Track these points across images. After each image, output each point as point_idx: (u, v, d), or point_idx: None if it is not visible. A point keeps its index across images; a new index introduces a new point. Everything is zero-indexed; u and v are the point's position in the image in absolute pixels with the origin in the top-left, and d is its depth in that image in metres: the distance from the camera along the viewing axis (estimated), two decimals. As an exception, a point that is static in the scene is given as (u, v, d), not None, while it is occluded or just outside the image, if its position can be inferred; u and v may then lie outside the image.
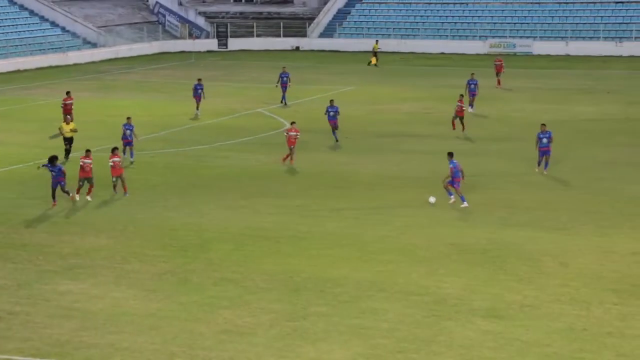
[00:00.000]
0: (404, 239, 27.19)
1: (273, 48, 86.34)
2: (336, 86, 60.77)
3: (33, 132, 45.65)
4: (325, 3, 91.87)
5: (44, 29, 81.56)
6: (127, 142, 38.22)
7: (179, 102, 54.93)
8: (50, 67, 75.11)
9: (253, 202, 31.73)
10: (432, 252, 25.84)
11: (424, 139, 42.95)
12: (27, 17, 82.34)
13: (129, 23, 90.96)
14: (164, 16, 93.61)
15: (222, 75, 70.05)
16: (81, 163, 32.10)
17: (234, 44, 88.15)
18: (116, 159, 32.60)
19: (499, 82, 59.57)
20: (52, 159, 30.99)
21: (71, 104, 45.94)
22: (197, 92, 49.89)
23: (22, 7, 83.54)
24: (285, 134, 38.03)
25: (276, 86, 54.32)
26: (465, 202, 30.63)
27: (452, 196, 31.01)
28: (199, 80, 50.78)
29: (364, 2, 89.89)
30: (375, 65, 73.29)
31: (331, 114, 41.53)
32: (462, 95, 44.27)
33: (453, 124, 43.83)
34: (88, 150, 32.62)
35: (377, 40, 77.51)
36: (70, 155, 38.08)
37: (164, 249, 26.41)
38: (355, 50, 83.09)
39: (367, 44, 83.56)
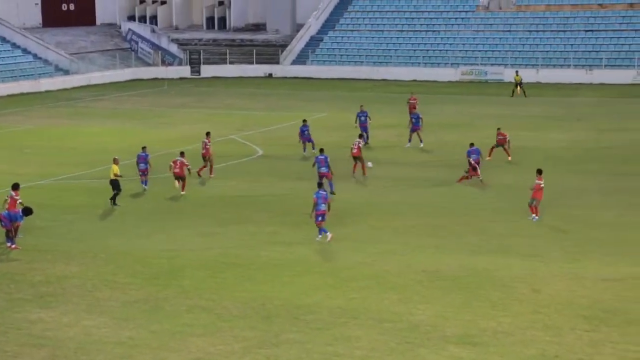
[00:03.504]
0: (377, 265, 27.20)
1: (246, 75, 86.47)
2: (309, 112, 60.81)
3: (3, 160, 45.34)
4: (298, 30, 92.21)
5: (16, 56, 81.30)
6: (142, 171, 37.67)
7: (152, 129, 54.83)
8: (22, 94, 74.75)
9: (226, 229, 31.67)
10: (405, 279, 25.86)
11: (395, 166, 43.05)
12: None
13: (101, 50, 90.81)
14: (137, 43, 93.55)
15: (194, 101, 70.02)
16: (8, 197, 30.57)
17: (207, 70, 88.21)
18: (16, 196, 30.47)
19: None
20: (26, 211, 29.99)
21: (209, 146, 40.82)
22: (305, 134, 45.74)
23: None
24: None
25: (355, 126, 48.84)
26: (326, 234, 29.60)
27: (325, 234, 29.68)
28: (304, 121, 46.51)
29: (336, 30, 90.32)
30: (512, 95, 69.26)
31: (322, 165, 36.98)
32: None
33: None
34: (17, 185, 31.15)
35: (517, 71, 72.27)
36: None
37: (135, 276, 26.27)
38: (328, 77, 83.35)
39: (339, 71, 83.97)
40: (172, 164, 37.44)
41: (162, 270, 26.85)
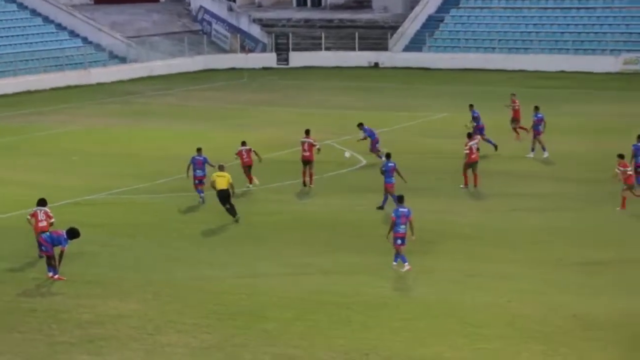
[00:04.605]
0: (513, 308, 26.96)
1: (346, 64, 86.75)
2: (425, 112, 60.78)
3: (45, 170, 46.31)
4: (413, 8, 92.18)
5: (61, 40, 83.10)
6: (199, 179, 39.00)
7: (228, 132, 55.37)
8: (69, 87, 76.40)
9: (320, 259, 31.77)
10: (550, 326, 25.57)
11: (538, 181, 42.65)
12: (40, 25, 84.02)
13: (166, 33, 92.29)
14: (210, 24, 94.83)
15: (281, 98, 70.55)
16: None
17: (297, 59, 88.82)
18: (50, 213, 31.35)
19: (520, 130, 50.92)
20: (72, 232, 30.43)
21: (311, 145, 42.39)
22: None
23: (35, 13, 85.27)
24: None
25: (466, 126, 49.22)
26: (404, 264, 30.22)
27: (405, 263, 30.16)
28: (360, 124, 47.86)
29: (461, 7, 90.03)
30: None
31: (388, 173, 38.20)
32: (470, 134, 42.27)
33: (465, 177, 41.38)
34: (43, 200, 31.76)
35: None
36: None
37: (207, 316, 26.53)
38: (449, 68, 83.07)
39: (464, 60, 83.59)
40: (237, 155, 41.58)
41: (240, 310, 27.05)
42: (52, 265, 29.92)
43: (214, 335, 25.17)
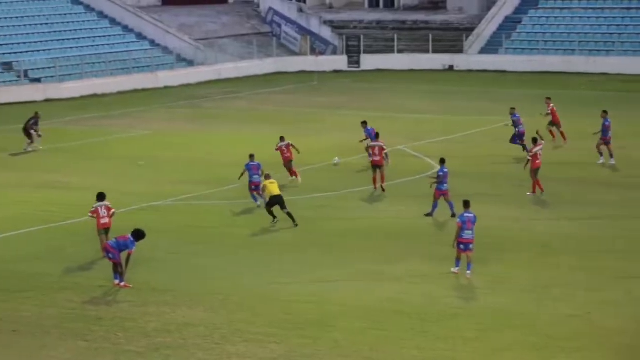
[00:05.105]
0: (595, 320, 26.76)
1: (419, 67, 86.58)
2: (501, 117, 60.40)
3: (111, 174, 46.73)
4: (489, 9, 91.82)
5: (128, 42, 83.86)
6: (256, 184, 39.80)
7: (298, 137, 55.41)
8: (136, 91, 77.01)
9: (391, 267, 31.77)
10: (635, 339, 25.33)
11: (615, 188, 42.25)
12: (107, 28, 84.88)
13: (235, 35, 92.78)
14: (280, 26, 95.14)
15: (352, 101, 70.54)
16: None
17: (369, 61, 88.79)
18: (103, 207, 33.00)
19: (555, 135, 52.96)
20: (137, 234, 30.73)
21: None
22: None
23: (102, 15, 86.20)
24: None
25: (506, 125, 52.16)
26: (456, 268, 30.77)
27: (456, 268, 30.83)
28: (364, 123, 48.63)
29: (540, 8, 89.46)
30: None
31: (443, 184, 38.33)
32: (535, 140, 42.04)
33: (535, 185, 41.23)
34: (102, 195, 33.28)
35: None
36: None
37: (276, 325, 26.64)
38: (527, 71, 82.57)
39: (543, 63, 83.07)
40: (278, 150, 43.95)
41: (309, 319, 27.14)
42: (118, 272, 30.25)
43: (282, 345, 25.27)
